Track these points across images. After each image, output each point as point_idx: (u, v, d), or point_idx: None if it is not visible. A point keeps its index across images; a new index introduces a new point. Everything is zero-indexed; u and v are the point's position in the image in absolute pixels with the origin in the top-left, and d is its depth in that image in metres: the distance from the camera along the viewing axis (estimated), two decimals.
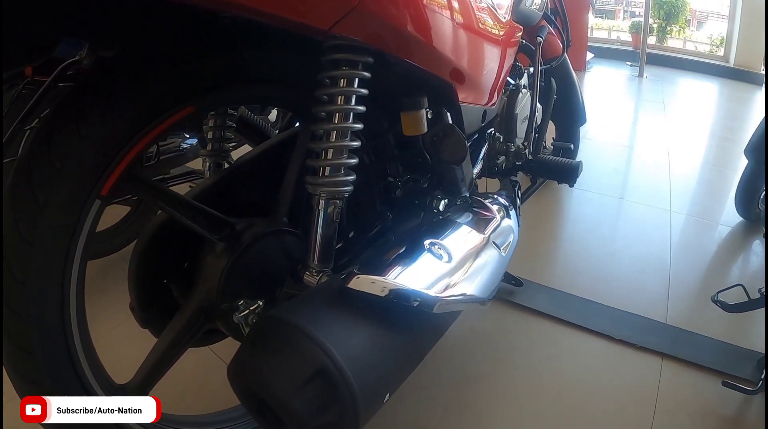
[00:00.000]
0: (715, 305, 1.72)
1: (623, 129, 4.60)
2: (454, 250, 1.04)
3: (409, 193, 1.29)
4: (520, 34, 1.83)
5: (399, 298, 0.90)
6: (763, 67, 6.32)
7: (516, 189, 1.91)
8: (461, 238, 1.12)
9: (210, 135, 1.31)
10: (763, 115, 2.39)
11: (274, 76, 1.03)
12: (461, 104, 1.30)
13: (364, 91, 1.01)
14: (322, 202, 1.02)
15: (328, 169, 1.02)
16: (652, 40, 7.49)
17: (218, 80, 0.91)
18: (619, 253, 2.49)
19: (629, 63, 6.89)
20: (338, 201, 1.04)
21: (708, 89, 6.52)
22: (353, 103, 1.00)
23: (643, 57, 6.51)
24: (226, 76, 0.92)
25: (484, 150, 1.66)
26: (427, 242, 1.02)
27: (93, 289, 1.11)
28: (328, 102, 1.01)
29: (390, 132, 1.28)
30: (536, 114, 1.99)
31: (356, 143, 1.02)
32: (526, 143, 1.92)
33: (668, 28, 8.19)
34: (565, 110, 2.61)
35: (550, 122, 2.44)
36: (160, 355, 1.01)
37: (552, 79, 2.33)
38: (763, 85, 6.05)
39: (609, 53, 7.56)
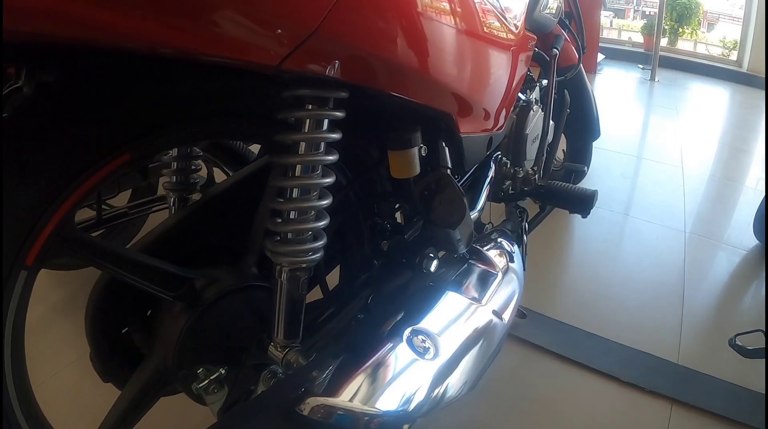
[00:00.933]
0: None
1: (634, 138, 4.36)
2: (443, 341, 0.84)
3: (397, 248, 1.07)
4: (534, 43, 1.60)
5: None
6: None
7: (523, 218, 1.69)
8: (452, 316, 0.91)
9: (174, 166, 1.11)
10: None
11: (229, 108, 0.83)
12: (463, 136, 1.08)
13: (336, 136, 0.82)
14: (284, 272, 0.85)
15: (290, 234, 0.84)
16: (663, 42, 7.27)
17: (156, 120, 0.74)
18: (630, 280, 2.31)
19: (641, 66, 6.65)
20: (304, 272, 0.86)
21: (721, 95, 6.30)
22: (321, 150, 0.81)
23: (656, 60, 6.29)
24: (166, 115, 0.75)
25: (488, 178, 1.43)
26: (407, 332, 0.81)
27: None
28: (290, 151, 0.82)
29: (381, 164, 1.05)
30: (549, 133, 1.76)
31: (326, 202, 0.85)
32: (536, 168, 1.69)
33: (680, 30, 7.94)
34: (577, 124, 2.38)
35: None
36: (124, 410, 0.90)
37: (565, 91, 2.10)
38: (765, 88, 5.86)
39: (620, 54, 7.34)
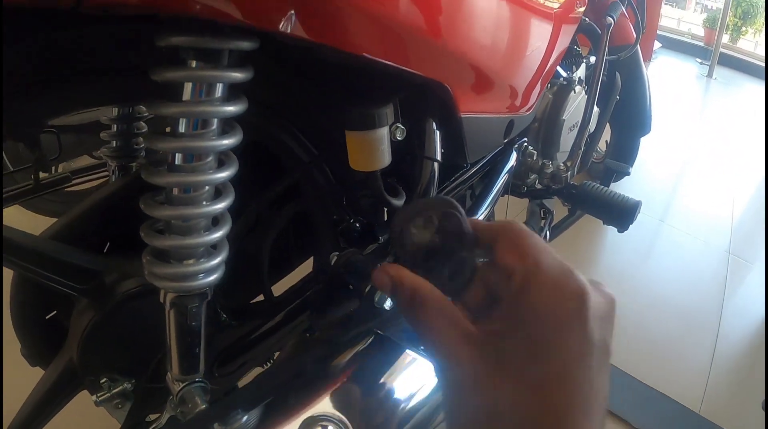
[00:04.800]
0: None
1: (684, 138, 3.90)
2: None
3: (346, 264, 0.73)
4: (583, 9, 1.23)
5: None
6: None
7: (546, 221, 1.35)
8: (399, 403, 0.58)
9: (113, 128, 0.96)
10: None
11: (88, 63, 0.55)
12: (465, 116, 0.74)
13: (233, 108, 0.52)
14: (167, 299, 0.60)
15: (171, 250, 0.57)
16: (725, 38, 6.74)
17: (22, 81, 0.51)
18: (662, 304, 1.98)
19: (699, 60, 6.16)
20: (195, 298, 0.60)
21: None
22: (213, 129, 0.52)
23: (715, 56, 5.85)
24: (36, 73, 0.51)
25: (504, 170, 1.08)
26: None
27: None
28: (167, 131, 0.53)
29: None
30: (591, 122, 1.39)
31: (222, 205, 0.56)
32: (569, 163, 1.33)
33: (743, 29, 7.38)
34: (626, 115, 2.00)
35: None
36: (36, 405, 0.77)
37: (617, 73, 1.72)
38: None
39: (677, 45, 6.89)
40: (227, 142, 0.52)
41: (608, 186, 1.50)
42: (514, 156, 1.11)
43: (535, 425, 0.31)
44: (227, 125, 0.53)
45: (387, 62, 0.55)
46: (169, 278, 0.56)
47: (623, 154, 2.15)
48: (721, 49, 6.07)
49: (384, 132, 0.61)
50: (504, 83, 0.86)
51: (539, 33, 0.97)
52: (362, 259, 0.70)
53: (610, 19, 1.42)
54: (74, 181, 1.33)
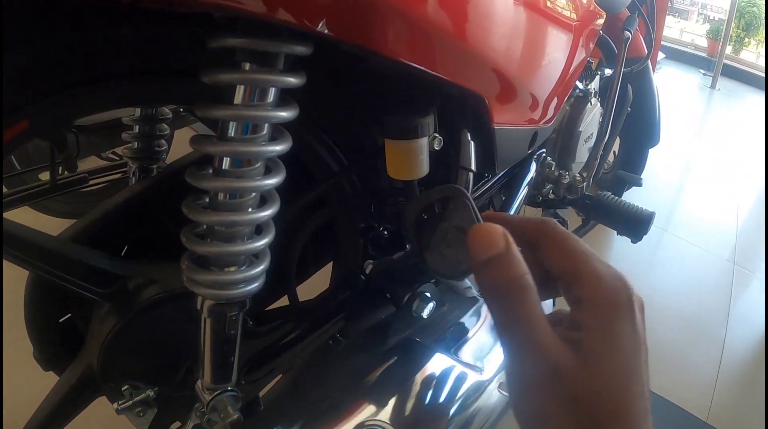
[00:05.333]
0: None
1: (687, 148, 3.91)
2: None
3: (382, 273, 0.73)
4: (602, 21, 1.23)
5: None
6: None
7: None
8: (436, 398, 0.58)
9: (135, 129, 0.94)
10: None
11: (144, 65, 0.56)
12: (497, 127, 0.74)
13: (286, 114, 0.52)
14: (206, 306, 0.59)
15: (212, 256, 0.56)
16: (728, 49, 6.73)
17: (59, 79, 0.51)
18: (668, 314, 1.98)
19: (703, 71, 6.15)
20: (234, 307, 0.59)
21: None
22: (263, 134, 0.51)
23: (719, 67, 5.84)
24: (73, 71, 0.51)
25: (526, 180, 1.08)
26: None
27: None
28: (215, 134, 0.52)
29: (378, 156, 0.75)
30: (607, 134, 1.40)
31: (268, 212, 0.55)
32: (585, 174, 1.34)
33: (746, 40, 7.39)
34: (636, 127, 2.00)
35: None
36: (52, 410, 0.73)
37: (629, 85, 1.72)
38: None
39: (680, 55, 6.88)
40: (277, 148, 0.51)
41: (621, 196, 1.50)
42: (533, 167, 1.11)
43: (609, 415, 0.33)
44: (277, 131, 0.53)
45: (435, 73, 0.55)
46: (208, 285, 0.56)
47: (632, 164, 2.15)
48: (725, 61, 6.06)
49: (425, 142, 0.62)
50: (532, 95, 0.86)
51: (564, 46, 0.97)
52: (401, 268, 0.70)
53: (628, 33, 1.42)
54: (90, 182, 1.32)
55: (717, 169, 3.52)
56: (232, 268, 0.55)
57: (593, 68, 1.52)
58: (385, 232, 0.82)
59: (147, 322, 0.71)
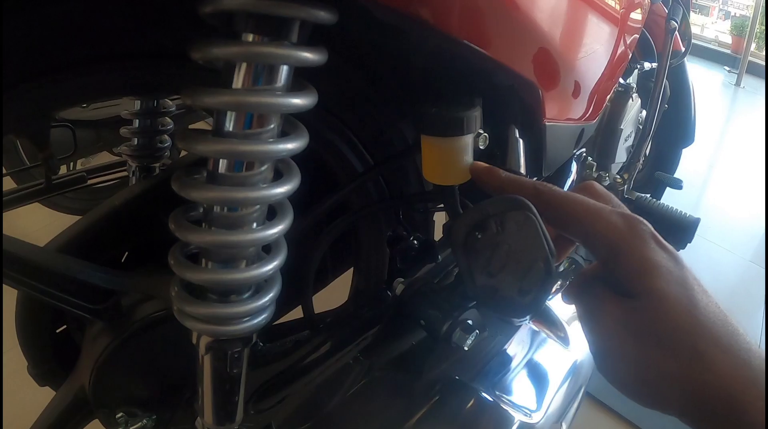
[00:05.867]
0: None
1: (712, 148, 3.76)
2: None
3: (415, 296, 0.62)
4: (645, 14, 1.12)
5: None
6: None
7: None
8: None
9: (135, 124, 0.87)
10: None
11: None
12: (548, 124, 0.63)
13: (302, 101, 0.39)
14: (202, 343, 0.48)
15: (209, 285, 0.45)
16: (752, 46, 6.56)
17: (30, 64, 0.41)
18: None
19: (727, 68, 5.96)
20: (238, 343, 0.48)
21: None
22: (271, 128, 0.39)
23: (744, 65, 5.65)
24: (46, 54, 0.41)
25: (567, 184, 0.97)
26: None
27: None
28: (206, 131, 0.40)
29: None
30: (651, 132, 1.28)
31: (276, 230, 0.43)
32: (626, 175, 1.22)
33: None
34: (670, 125, 1.87)
35: None
36: (50, 426, 0.67)
37: (666, 81, 1.60)
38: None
39: (703, 52, 6.68)
40: (290, 146, 0.39)
41: (660, 199, 1.38)
42: (575, 168, 0.99)
43: (688, 333, 0.36)
44: (289, 125, 0.41)
45: (488, 54, 0.44)
46: (204, 320, 0.44)
47: (664, 165, 2.02)
48: (750, 58, 5.88)
49: (470, 140, 0.50)
50: (581, 87, 0.75)
51: (612, 37, 0.86)
52: (437, 294, 0.59)
53: (674, 23, 1.30)
54: (90, 181, 1.23)
55: (744, 169, 3.37)
56: (234, 298, 0.44)
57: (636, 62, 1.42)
58: (416, 242, 0.71)
59: (143, 343, 0.63)
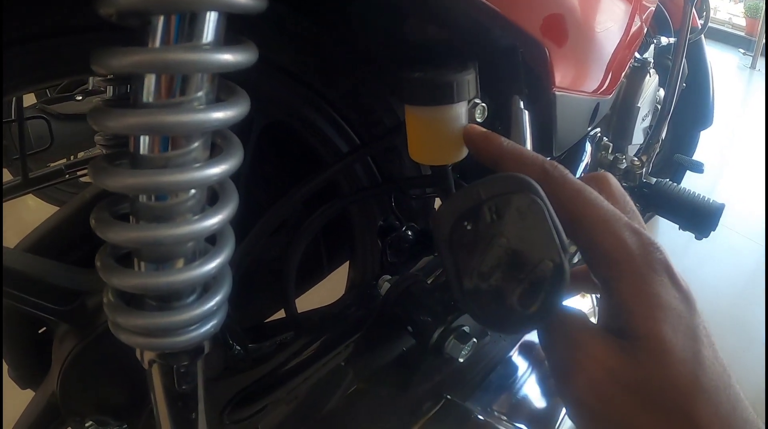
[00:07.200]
0: None
1: (730, 129, 3.64)
2: None
3: (402, 295, 0.53)
4: None
5: None
6: None
7: None
8: None
9: None
10: None
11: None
12: (558, 93, 0.54)
13: (238, 57, 0.30)
14: (145, 360, 0.40)
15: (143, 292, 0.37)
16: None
17: None
18: (721, 314, 1.72)
19: (742, 51, 5.80)
20: (183, 357, 0.40)
21: None
22: (203, 104, 0.30)
23: (759, 47, 5.48)
24: None
25: (581, 167, 0.88)
26: None
27: None
28: (125, 111, 0.29)
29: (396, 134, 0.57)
30: (670, 111, 1.18)
31: (217, 219, 0.34)
32: (644, 157, 1.12)
33: None
34: (687, 106, 1.76)
35: None
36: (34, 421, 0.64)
37: (684, 61, 1.50)
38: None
39: (716, 34, 6.48)
40: (223, 115, 0.30)
41: (680, 183, 1.29)
42: (589, 149, 0.90)
43: (680, 397, 0.29)
44: (224, 88, 0.33)
45: (489, 4, 0.35)
46: (142, 333, 0.36)
47: (682, 147, 1.91)
48: (765, 40, 5.71)
49: (462, 109, 0.41)
50: (597, 56, 0.66)
51: (628, 4, 0.77)
52: (428, 295, 0.50)
53: None
54: (67, 174, 1.17)
55: (760, 153, 3.24)
56: (176, 304, 0.35)
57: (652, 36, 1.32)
58: (409, 233, 0.62)
59: (110, 346, 0.58)
